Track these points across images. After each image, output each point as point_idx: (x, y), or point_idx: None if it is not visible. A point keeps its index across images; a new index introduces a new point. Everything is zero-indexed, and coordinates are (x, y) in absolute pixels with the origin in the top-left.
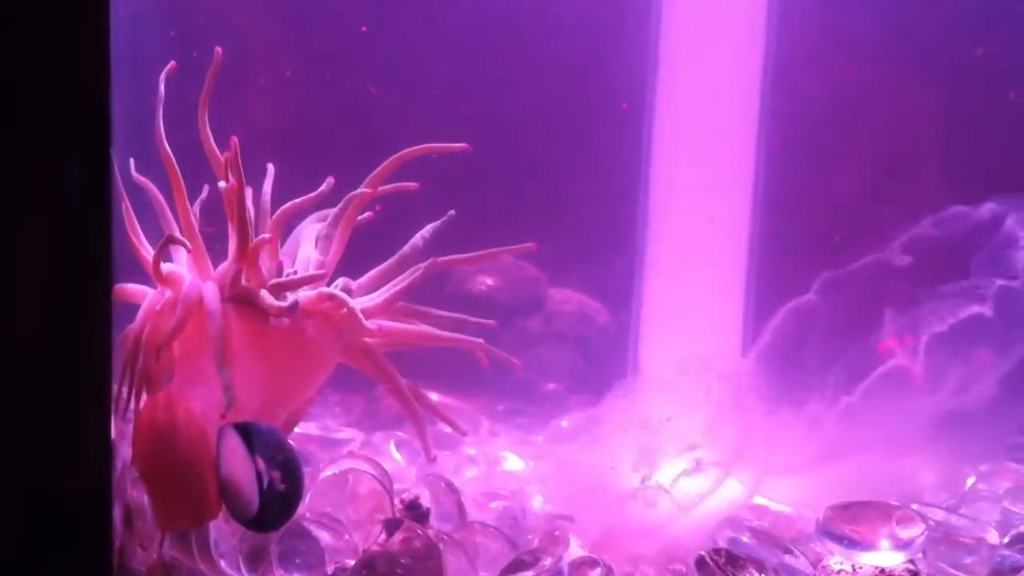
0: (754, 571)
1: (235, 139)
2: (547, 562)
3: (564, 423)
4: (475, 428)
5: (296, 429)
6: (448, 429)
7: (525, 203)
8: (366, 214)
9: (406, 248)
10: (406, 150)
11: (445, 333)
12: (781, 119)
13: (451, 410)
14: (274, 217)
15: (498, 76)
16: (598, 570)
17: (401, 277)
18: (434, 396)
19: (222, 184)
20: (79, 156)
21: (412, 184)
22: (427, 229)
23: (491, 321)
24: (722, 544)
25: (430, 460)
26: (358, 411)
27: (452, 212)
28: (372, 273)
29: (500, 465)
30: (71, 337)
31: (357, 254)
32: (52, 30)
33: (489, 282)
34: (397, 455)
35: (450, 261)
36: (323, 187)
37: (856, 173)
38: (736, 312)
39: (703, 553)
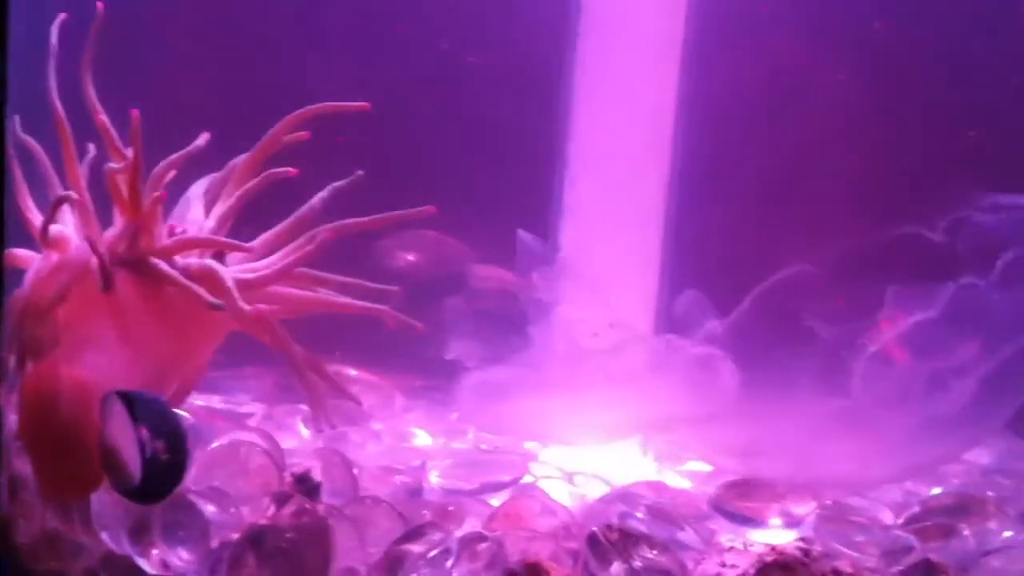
0: (646, 548)
1: (136, 112)
2: (436, 537)
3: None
4: (388, 403)
5: (199, 402)
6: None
7: (441, 174)
8: (288, 171)
9: (304, 208)
10: (302, 109)
11: (346, 299)
12: (702, 89)
13: (370, 386)
14: (152, 175)
15: (410, 40)
16: (486, 545)
17: (296, 244)
18: (352, 372)
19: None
20: None
21: (291, 170)
22: (328, 189)
23: (394, 288)
24: (615, 521)
25: (318, 431)
26: (271, 385)
27: (359, 172)
28: (267, 235)
29: (408, 441)
30: None
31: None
32: None
33: (410, 258)
34: (305, 430)
35: (344, 226)
36: (199, 141)
37: (779, 143)
38: (652, 286)
39: (595, 529)
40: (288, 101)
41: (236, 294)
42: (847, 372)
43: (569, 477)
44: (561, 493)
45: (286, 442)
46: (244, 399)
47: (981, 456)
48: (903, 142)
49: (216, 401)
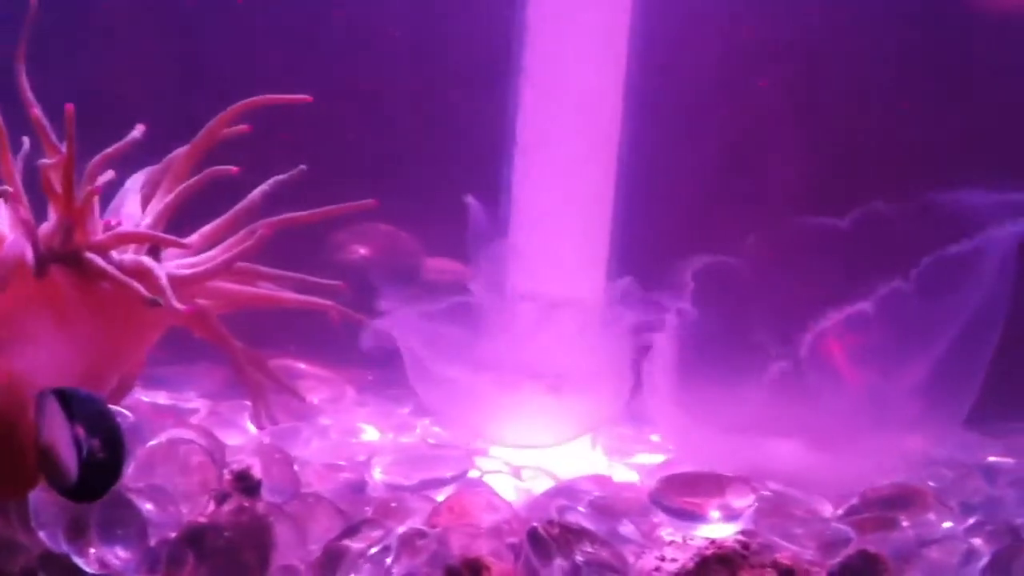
0: (587, 543)
1: (70, 107)
2: (376, 534)
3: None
4: (339, 398)
5: (144, 398)
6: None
7: (388, 168)
8: (229, 169)
9: (244, 202)
10: (242, 102)
11: (291, 294)
12: (649, 62)
13: (321, 380)
14: (87, 169)
15: (358, 30)
16: (426, 541)
17: (236, 238)
18: (302, 366)
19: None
20: None
21: (232, 168)
22: (269, 182)
23: (339, 283)
24: (555, 516)
25: (260, 428)
26: (220, 381)
27: (302, 167)
28: (206, 229)
29: (356, 436)
30: None
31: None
32: None
33: (362, 251)
34: (252, 427)
35: (284, 220)
36: (134, 133)
37: (722, 121)
38: (601, 261)
39: (536, 525)
40: (227, 91)
41: (169, 291)
42: (789, 367)
43: (516, 472)
44: (507, 488)
45: (232, 439)
46: (191, 395)
47: (932, 449)
48: (844, 135)
49: (162, 397)
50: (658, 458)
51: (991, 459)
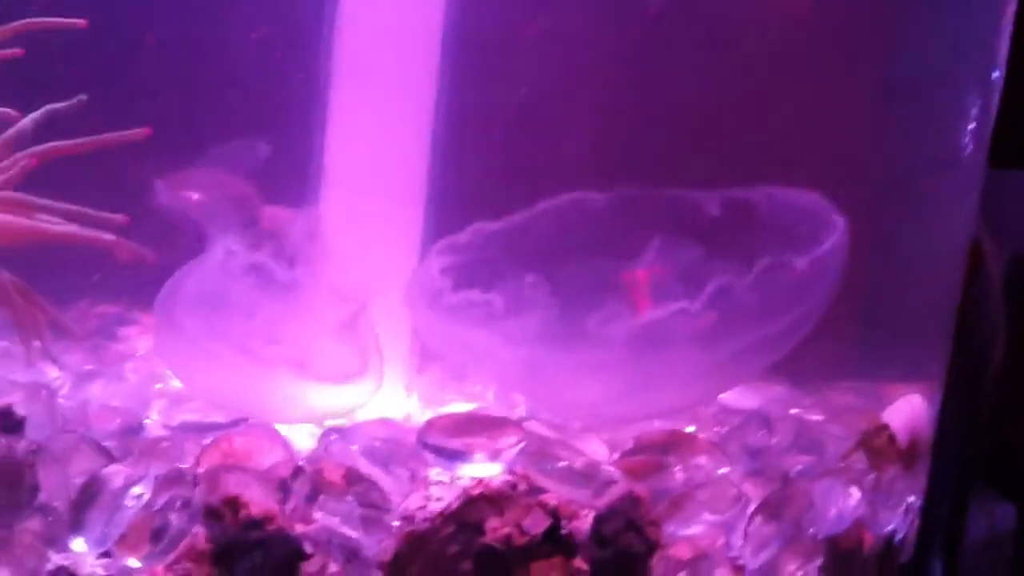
0: (355, 484)
1: None
2: (137, 473)
3: None
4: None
5: None
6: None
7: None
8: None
9: (11, 131)
10: (10, 25)
11: (67, 228)
12: (468, 34)
13: (130, 323)
14: None
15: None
16: (187, 480)
17: (2, 166)
18: (112, 309)
19: None
20: None
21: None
22: (41, 111)
23: (119, 216)
24: (324, 455)
25: (29, 365)
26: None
27: (82, 96)
28: None
29: (163, 382)
30: None
31: None
32: None
33: (194, 197)
34: (55, 371)
35: (49, 149)
36: None
37: (543, 92)
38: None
39: (302, 464)
40: None
41: None
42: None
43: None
44: (303, 435)
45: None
46: None
47: (744, 400)
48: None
49: None
50: (470, 406)
51: (793, 411)
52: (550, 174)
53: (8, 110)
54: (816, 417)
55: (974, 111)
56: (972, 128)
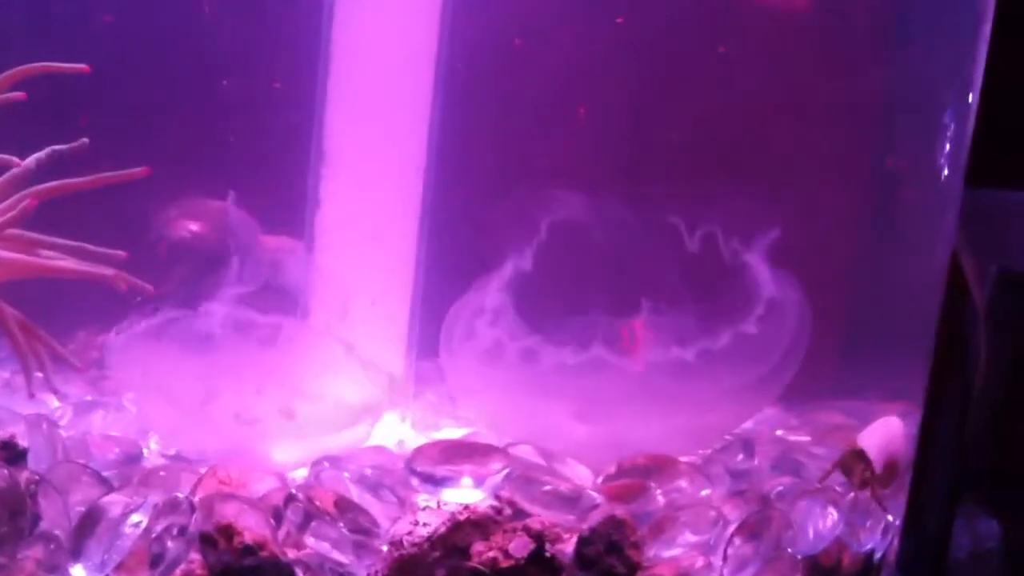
0: (346, 511)
1: None
2: (135, 501)
3: None
4: None
5: None
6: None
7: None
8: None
9: (15, 170)
10: (11, 71)
11: (71, 263)
12: (463, 45)
13: None
14: None
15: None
16: (183, 508)
17: (5, 205)
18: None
19: None
20: None
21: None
22: (45, 152)
23: (119, 252)
24: (315, 483)
25: (30, 396)
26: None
27: (85, 140)
28: None
29: None
30: None
31: None
32: None
33: (194, 228)
34: (55, 401)
35: (51, 188)
36: None
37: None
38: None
39: (294, 491)
40: None
41: None
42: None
43: None
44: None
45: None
46: None
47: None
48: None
49: None
50: (463, 431)
51: (779, 432)
52: (543, 188)
53: (10, 157)
54: (802, 437)
55: (949, 132)
56: (947, 150)
